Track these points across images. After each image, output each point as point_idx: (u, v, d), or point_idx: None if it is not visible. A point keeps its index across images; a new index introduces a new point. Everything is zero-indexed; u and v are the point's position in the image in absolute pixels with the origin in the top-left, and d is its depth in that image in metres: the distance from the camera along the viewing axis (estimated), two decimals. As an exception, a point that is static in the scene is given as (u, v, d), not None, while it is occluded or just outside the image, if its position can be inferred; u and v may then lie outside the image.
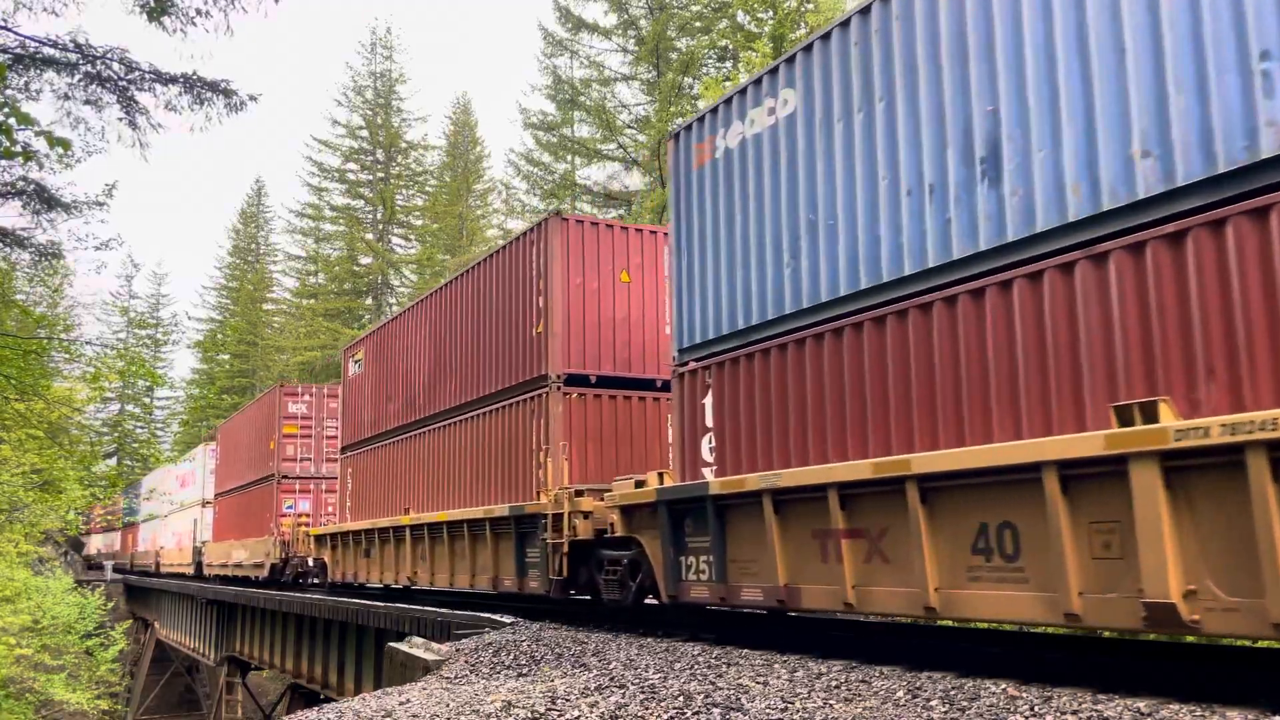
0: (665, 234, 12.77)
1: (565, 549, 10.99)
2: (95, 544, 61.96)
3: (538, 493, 11.85)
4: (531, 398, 12.49)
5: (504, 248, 13.75)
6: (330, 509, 25.14)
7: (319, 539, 21.06)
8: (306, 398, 26.14)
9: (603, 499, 10.95)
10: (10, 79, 12.32)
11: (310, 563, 22.98)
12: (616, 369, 12.57)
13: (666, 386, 12.37)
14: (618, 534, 10.26)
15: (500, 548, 12.88)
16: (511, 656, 8.67)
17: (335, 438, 25.08)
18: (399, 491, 16.88)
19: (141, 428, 70.53)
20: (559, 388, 12.10)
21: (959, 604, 6.46)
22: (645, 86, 34.60)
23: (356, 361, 20.06)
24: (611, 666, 7.71)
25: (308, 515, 24.70)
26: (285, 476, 25.48)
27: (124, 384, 62.44)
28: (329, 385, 26.48)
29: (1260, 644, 7.86)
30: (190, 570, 34.54)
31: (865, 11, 7.73)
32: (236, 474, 29.65)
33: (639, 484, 9.91)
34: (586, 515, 10.99)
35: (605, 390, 12.42)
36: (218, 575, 30.68)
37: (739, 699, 6.02)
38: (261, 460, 26.58)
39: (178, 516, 38.07)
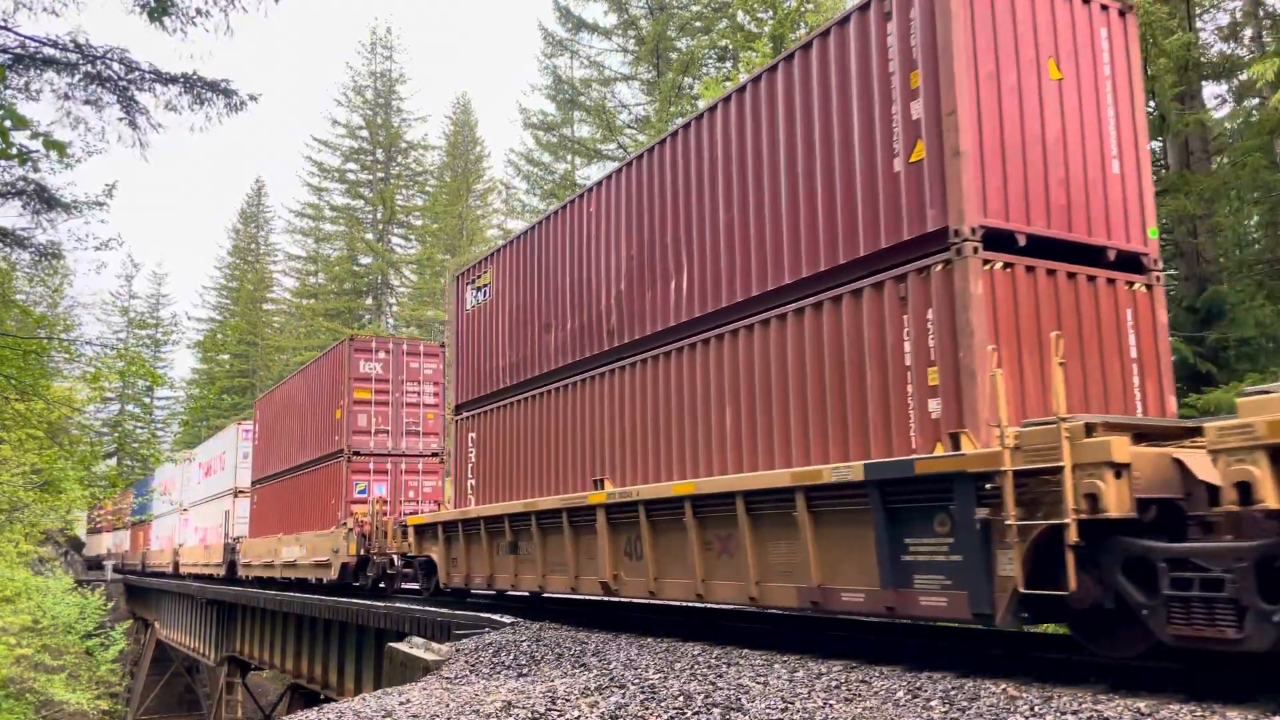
0: (1104, 4, 7.91)
1: (1072, 535, 5.62)
2: (105, 543, 57.22)
3: (954, 438, 6.65)
4: (906, 275, 7.26)
5: (827, 31, 8.28)
6: (412, 495, 20.64)
7: (421, 531, 15.59)
8: (382, 355, 20.97)
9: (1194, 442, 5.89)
10: (10, 79, 12.32)
11: (396, 561, 17.90)
12: (1051, 226, 7.30)
13: (1123, 262, 7.57)
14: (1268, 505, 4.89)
15: (830, 536, 7.58)
16: (511, 656, 8.66)
17: (417, 405, 21.02)
18: (575, 457, 11.60)
19: (141, 428, 70.68)
20: (975, 250, 6.80)
21: None
22: (645, 86, 34.60)
23: (479, 288, 14.68)
24: (611, 666, 7.70)
25: (384, 501, 19.36)
26: (357, 453, 20.25)
27: (124, 384, 62.94)
28: (408, 340, 21.61)
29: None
30: (220, 572, 29.39)
31: None
32: (285, 454, 24.46)
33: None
34: (1119, 471, 5.58)
35: (1040, 261, 7.18)
36: (259, 578, 25.41)
37: (739, 699, 6.01)
38: (324, 434, 21.48)
39: (201, 510, 33.07)
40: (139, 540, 46.94)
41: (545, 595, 12.61)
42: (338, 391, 20.84)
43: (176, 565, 36.45)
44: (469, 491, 14.49)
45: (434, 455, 21.04)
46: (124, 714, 39.71)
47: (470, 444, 14.67)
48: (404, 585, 18.29)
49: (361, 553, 18.60)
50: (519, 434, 13.07)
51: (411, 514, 18.18)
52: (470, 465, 14.56)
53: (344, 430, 20.33)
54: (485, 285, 14.58)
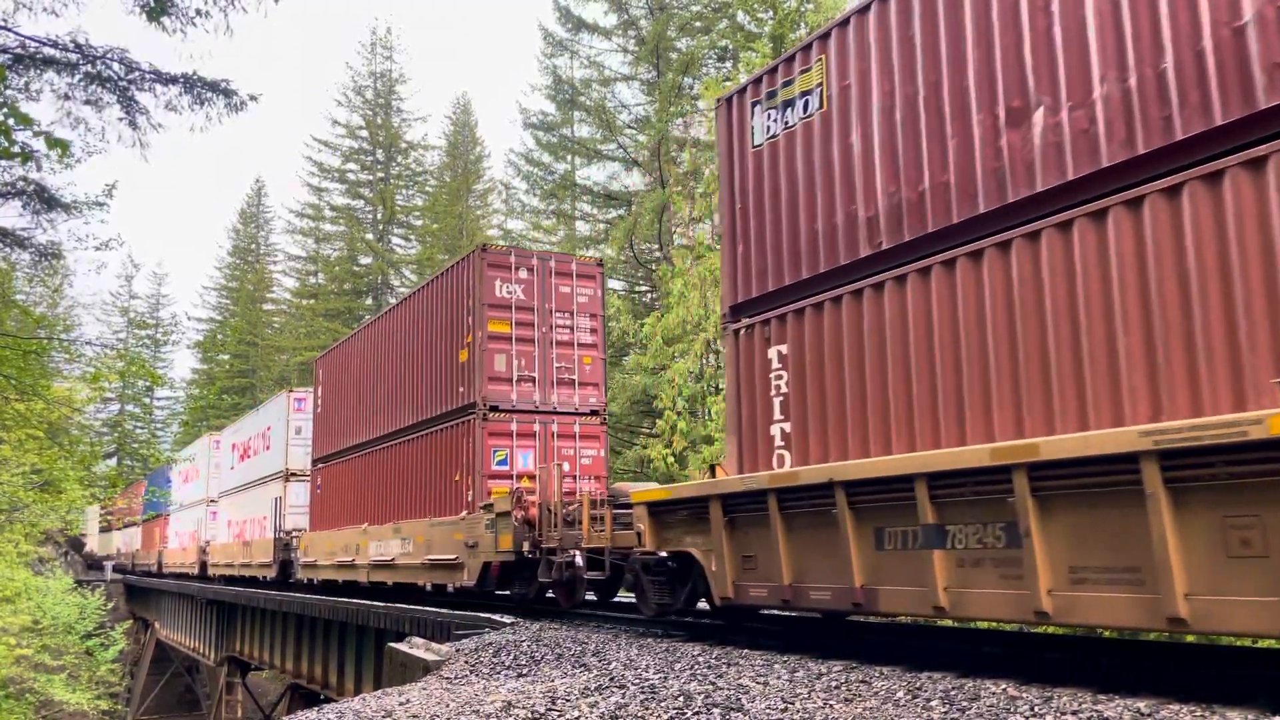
0: None
1: None
2: (114, 542, 54.27)
3: None
4: None
5: None
6: (567, 467, 14.53)
7: (665, 513, 9.89)
8: (524, 274, 14.96)
9: None
10: (10, 79, 12.34)
11: (579, 560, 12.25)
12: None
13: None
14: None
15: None
16: (511, 656, 8.66)
17: (570, 344, 15.24)
18: (1135, 357, 5.90)
19: (141, 428, 70.91)
20: None
21: None
22: (645, 86, 34.67)
23: (789, 102, 9.14)
24: (611, 666, 7.70)
25: (530, 478, 14.11)
26: (495, 408, 14.39)
27: (124, 384, 62.93)
28: (555, 255, 15.86)
29: (1260, 644, 7.86)
30: (270, 574, 23.88)
31: None
32: (369, 421, 18.98)
33: None
34: None
35: None
36: (329, 581, 20.11)
37: (739, 699, 6.02)
38: (441, 386, 15.80)
39: (237, 499, 28.27)
40: (153, 538, 42.19)
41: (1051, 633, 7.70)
42: (462, 324, 15.06)
43: (205, 565, 31.32)
44: (775, 444, 8.87)
45: (593, 414, 15.32)
46: (124, 714, 39.71)
47: (774, 365, 8.95)
48: (590, 596, 13.12)
49: (526, 548, 12.76)
50: (913, 333, 7.49)
51: (581, 487, 13.80)
52: (778, 401, 8.86)
53: (474, 377, 14.50)
54: (808, 91, 8.87)
